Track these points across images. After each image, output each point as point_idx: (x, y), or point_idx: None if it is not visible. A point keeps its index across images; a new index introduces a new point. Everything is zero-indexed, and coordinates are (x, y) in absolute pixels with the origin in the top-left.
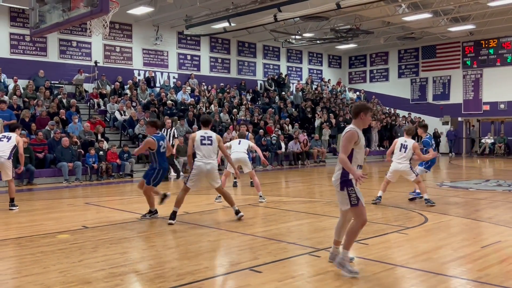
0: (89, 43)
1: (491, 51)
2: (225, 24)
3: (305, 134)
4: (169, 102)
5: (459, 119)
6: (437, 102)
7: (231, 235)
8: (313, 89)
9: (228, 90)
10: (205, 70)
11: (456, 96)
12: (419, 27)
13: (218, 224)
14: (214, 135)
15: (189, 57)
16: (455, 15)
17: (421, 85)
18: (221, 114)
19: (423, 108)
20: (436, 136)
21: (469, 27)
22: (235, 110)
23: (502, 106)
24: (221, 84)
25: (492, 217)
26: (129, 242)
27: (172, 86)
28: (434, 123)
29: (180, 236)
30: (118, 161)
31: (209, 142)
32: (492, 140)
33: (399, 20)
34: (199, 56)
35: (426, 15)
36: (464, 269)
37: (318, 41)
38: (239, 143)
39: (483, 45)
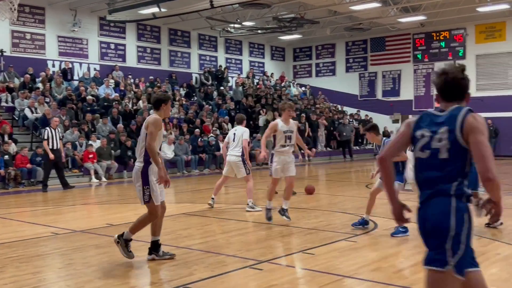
0: None
1: (443, 44)
2: (154, 9)
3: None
4: (89, 97)
5: (410, 116)
6: (386, 99)
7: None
8: (255, 83)
9: (158, 84)
10: (131, 61)
11: (407, 92)
12: (367, 17)
13: (148, 237)
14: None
15: (112, 46)
16: (405, 5)
17: (370, 80)
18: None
19: (372, 105)
20: (386, 135)
21: (420, 18)
22: None
23: None
24: (151, 77)
25: None
26: (43, 260)
27: (92, 79)
28: (383, 121)
29: (103, 252)
30: (28, 166)
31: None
32: None
33: (347, 9)
34: (124, 45)
35: (375, 4)
36: (415, 278)
37: (259, 31)
38: (233, 139)
39: (434, 38)
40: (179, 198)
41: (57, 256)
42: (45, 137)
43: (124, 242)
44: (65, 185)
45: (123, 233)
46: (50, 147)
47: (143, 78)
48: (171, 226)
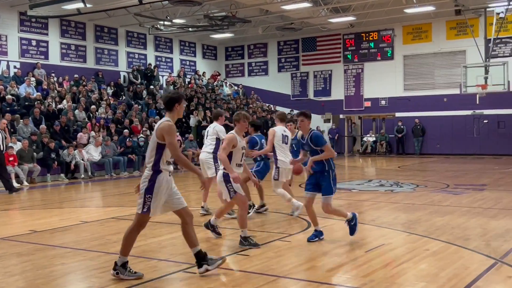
0: None
1: (372, 44)
2: (79, 4)
3: (178, 134)
4: (8, 97)
5: (341, 116)
6: (318, 99)
7: (90, 255)
8: (186, 82)
9: (84, 83)
10: (54, 58)
11: (338, 92)
12: (299, 17)
13: (74, 243)
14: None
15: (34, 43)
16: (336, 5)
17: (301, 80)
18: (76, 112)
19: (304, 105)
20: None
21: (350, 18)
22: (93, 106)
23: (383, 102)
24: (75, 75)
25: (375, 219)
26: None
27: (12, 78)
28: (316, 121)
29: (26, 260)
30: None
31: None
32: (374, 138)
33: (278, 9)
34: (47, 42)
35: (306, 4)
36: (349, 276)
37: (190, 29)
38: (206, 135)
39: (364, 38)
40: (108, 201)
41: None
42: None
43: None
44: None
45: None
46: None
47: (67, 76)
48: (100, 231)
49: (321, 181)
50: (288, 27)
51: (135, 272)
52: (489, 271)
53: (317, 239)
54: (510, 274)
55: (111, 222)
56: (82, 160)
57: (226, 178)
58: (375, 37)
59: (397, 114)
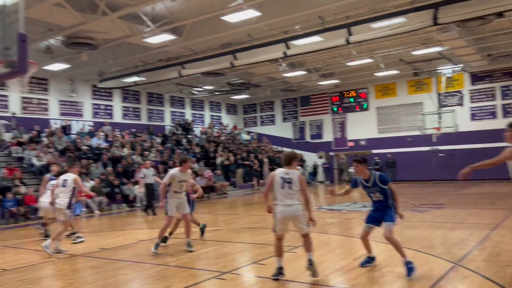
0: (6, 96)
1: (352, 100)
2: (135, 78)
3: (210, 170)
4: (84, 147)
5: (331, 153)
6: (313, 141)
7: (146, 267)
8: (215, 132)
9: (139, 135)
10: (118, 117)
11: (328, 135)
12: (296, 81)
13: (134, 257)
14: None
15: (102, 107)
16: (324, 72)
17: (300, 127)
18: (133, 156)
19: (303, 145)
20: (314, 167)
21: (334, 81)
22: (146, 152)
23: (362, 142)
24: (133, 129)
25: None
26: (48, 281)
27: (87, 133)
28: (312, 157)
29: (97, 272)
30: (36, 204)
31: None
32: None
33: (281, 76)
34: (112, 106)
35: (302, 72)
36: (342, 279)
37: (216, 93)
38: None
39: (345, 95)
40: (157, 224)
41: (60, 277)
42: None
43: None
44: None
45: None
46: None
47: (127, 130)
48: (151, 248)
49: (384, 212)
50: (289, 88)
51: None
52: (449, 272)
53: (369, 264)
54: (466, 275)
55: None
56: (138, 193)
57: None
58: (354, 94)
59: (374, 151)
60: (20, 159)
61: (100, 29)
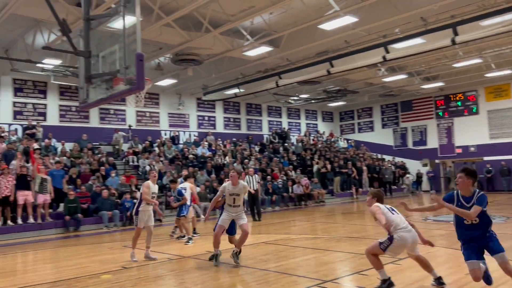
0: (124, 110)
1: (459, 103)
2: (235, 90)
3: (306, 178)
4: (190, 156)
5: (436, 161)
6: (416, 148)
7: (248, 271)
8: (311, 140)
9: (239, 144)
10: (220, 128)
11: (432, 141)
12: (396, 86)
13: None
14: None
15: (206, 118)
16: (427, 75)
17: (401, 134)
18: (235, 164)
19: (405, 153)
20: (418, 176)
21: (439, 84)
22: (246, 160)
23: (472, 149)
24: (234, 139)
25: None
26: (163, 280)
27: (193, 143)
28: (415, 166)
29: (205, 274)
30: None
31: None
32: None
33: (380, 81)
34: (214, 117)
35: (402, 76)
36: None
37: (313, 101)
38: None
39: (452, 99)
40: (259, 229)
41: (172, 276)
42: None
43: None
44: None
45: None
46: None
47: (228, 140)
48: (253, 253)
49: (488, 242)
50: (388, 94)
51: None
52: None
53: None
54: None
55: (261, 246)
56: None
57: None
58: (462, 97)
59: (485, 158)
60: (136, 167)
61: (204, 45)
